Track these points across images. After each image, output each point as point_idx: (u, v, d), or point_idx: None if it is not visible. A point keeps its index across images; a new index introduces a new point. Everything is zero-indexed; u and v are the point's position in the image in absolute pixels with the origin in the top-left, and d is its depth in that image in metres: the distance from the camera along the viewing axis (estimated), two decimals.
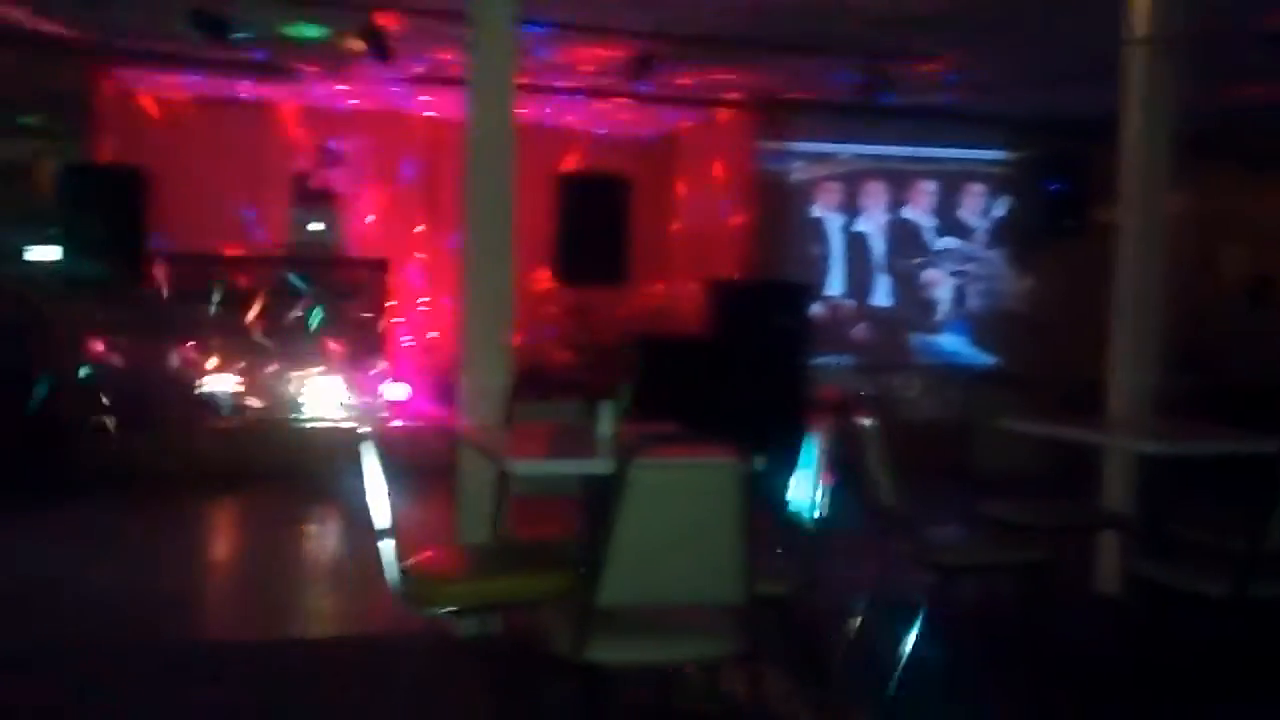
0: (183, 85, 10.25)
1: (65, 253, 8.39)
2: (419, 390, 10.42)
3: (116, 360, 8.87)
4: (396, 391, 10.01)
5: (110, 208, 8.19)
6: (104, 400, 8.49)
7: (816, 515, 3.75)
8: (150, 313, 9.18)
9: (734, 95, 10.31)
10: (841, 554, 4.34)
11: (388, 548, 3.48)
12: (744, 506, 3.03)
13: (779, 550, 3.85)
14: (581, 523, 3.73)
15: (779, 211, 10.60)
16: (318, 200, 10.53)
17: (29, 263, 11.84)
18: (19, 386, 8.06)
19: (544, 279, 9.82)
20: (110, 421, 8.44)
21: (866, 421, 4.25)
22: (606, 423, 3.90)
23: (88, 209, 8.21)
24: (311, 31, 8.27)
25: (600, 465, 3.34)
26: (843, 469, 3.84)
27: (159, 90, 10.42)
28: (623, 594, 2.97)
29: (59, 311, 8.88)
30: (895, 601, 4.51)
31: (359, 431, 3.59)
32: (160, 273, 9.21)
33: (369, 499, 3.51)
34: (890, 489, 4.15)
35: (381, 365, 10.00)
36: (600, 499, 3.59)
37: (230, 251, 10.16)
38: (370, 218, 11.22)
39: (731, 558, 3.05)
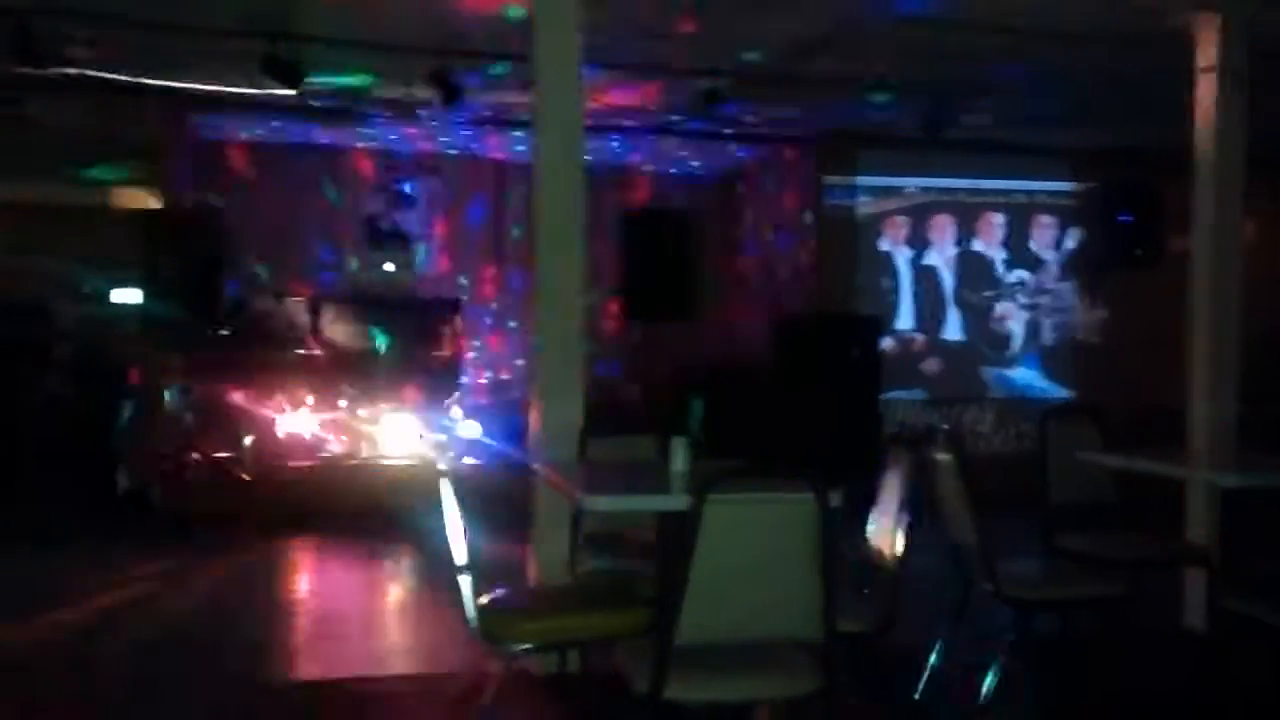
0: (259, 130, 10.53)
1: (146, 295, 8.61)
2: (490, 427, 10.53)
3: (196, 399, 9.04)
4: (469, 429, 10.11)
5: (189, 250, 8.38)
6: (183, 438, 8.65)
7: (894, 551, 3.72)
8: (228, 352, 9.36)
9: (797, 130, 10.35)
10: (920, 590, 4.29)
11: (466, 584, 3.52)
12: (821, 542, 3.02)
13: (857, 587, 3.83)
14: (657, 559, 3.74)
15: (846, 245, 10.58)
16: (390, 241, 10.71)
17: (112, 304, 12.21)
18: (102, 427, 8.25)
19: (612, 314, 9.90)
20: (188, 459, 8.59)
21: (944, 456, 4.22)
22: (680, 458, 3.92)
23: (167, 252, 8.41)
24: (366, 80, 8.48)
25: (675, 501, 3.35)
26: (920, 504, 3.81)
27: (236, 135, 10.71)
28: (699, 631, 2.97)
29: (140, 352, 9.11)
30: (974, 637, 4.45)
31: (437, 469, 3.63)
32: (238, 312, 9.40)
33: (446, 536, 3.56)
34: (968, 523, 4.10)
35: (454, 403, 10.10)
36: (675, 535, 3.61)
37: (305, 292, 10.37)
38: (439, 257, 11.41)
39: (809, 594, 3.03)
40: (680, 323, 9.32)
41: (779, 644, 3.18)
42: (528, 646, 3.64)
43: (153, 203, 9.36)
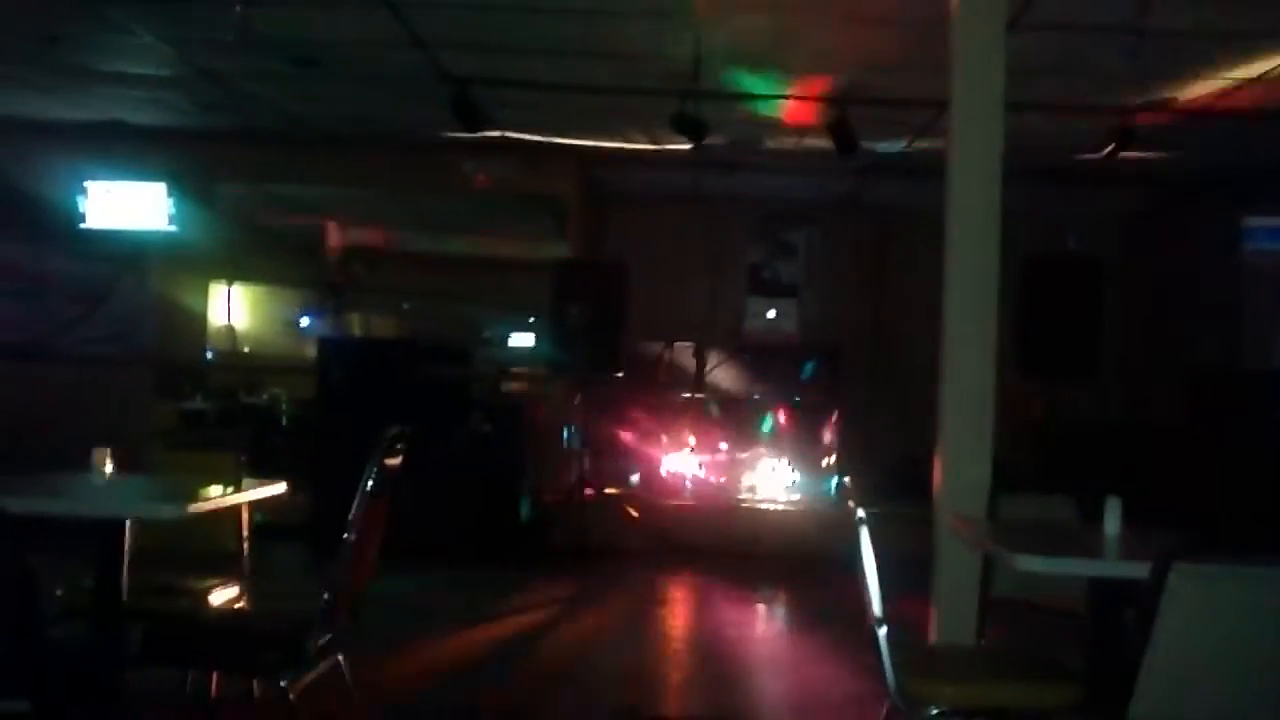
0: (653, 183, 11.00)
1: (551, 340, 9.15)
2: (862, 477, 10.35)
3: (591, 438, 9.47)
4: (842, 476, 10.01)
5: (593, 299, 8.82)
6: (578, 474, 9.07)
7: None
8: (620, 394, 9.76)
9: (1213, 168, 9.54)
10: None
11: (883, 637, 3.42)
12: None
13: None
14: (1089, 629, 3.47)
15: (1271, 294, 9.57)
16: (772, 289, 10.84)
17: (510, 348, 13.16)
18: (510, 468, 8.74)
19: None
20: (582, 494, 8.98)
21: None
22: (1113, 521, 3.63)
23: (573, 300, 8.88)
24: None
25: (1119, 568, 3.11)
26: None
27: (630, 188, 11.25)
28: (1158, 712, 2.71)
29: (541, 392, 9.70)
30: None
31: (857, 515, 3.56)
32: (629, 358, 9.78)
33: (866, 584, 3.46)
34: None
35: (831, 450, 10.03)
36: (1112, 604, 3.34)
37: (691, 338, 10.66)
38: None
39: None
40: (1082, 380, 8.76)
41: None
42: (943, 710, 3.48)
43: (560, 254, 9.95)
